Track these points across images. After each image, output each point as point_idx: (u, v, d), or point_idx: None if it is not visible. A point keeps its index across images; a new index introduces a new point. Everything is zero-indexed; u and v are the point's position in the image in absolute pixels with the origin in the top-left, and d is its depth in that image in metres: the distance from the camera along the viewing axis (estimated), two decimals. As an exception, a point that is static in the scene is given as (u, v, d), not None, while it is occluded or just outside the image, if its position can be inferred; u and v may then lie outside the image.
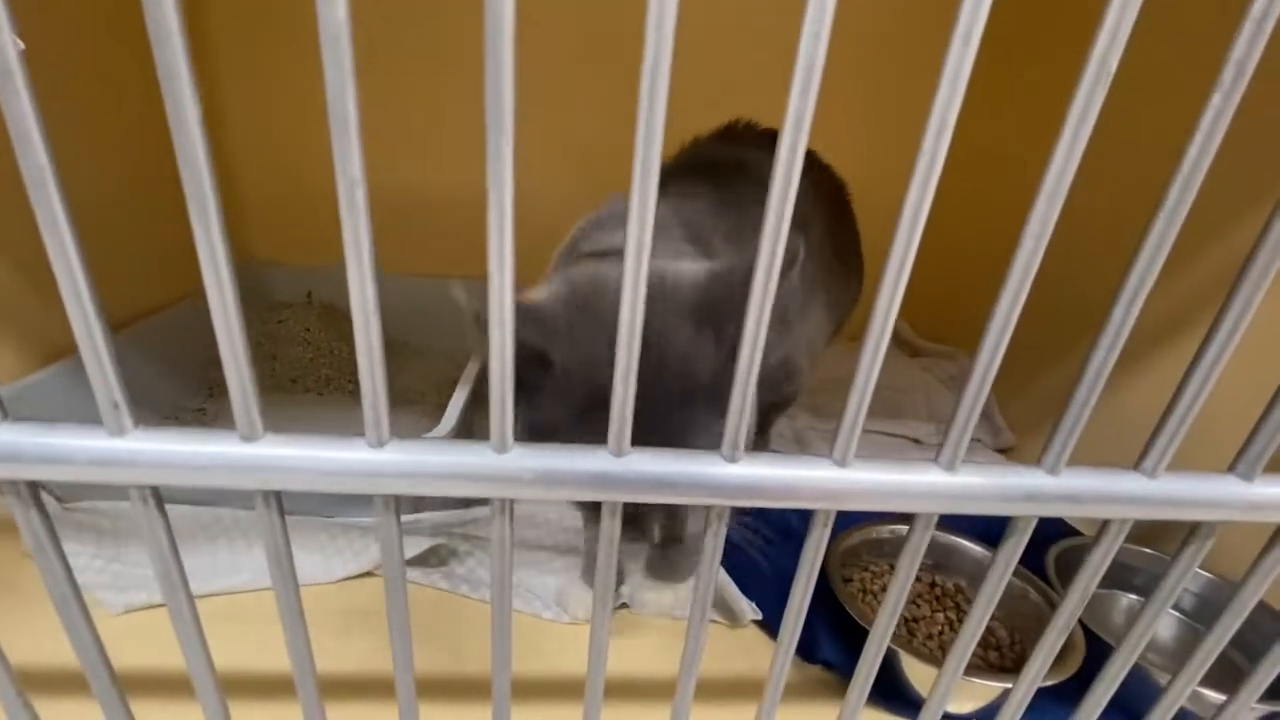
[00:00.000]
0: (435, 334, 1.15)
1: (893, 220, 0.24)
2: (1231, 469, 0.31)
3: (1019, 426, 0.96)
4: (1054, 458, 0.29)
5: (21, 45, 0.20)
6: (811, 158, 0.78)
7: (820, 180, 0.74)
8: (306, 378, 1.03)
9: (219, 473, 0.26)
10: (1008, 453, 0.95)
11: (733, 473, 0.28)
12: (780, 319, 0.61)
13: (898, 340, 1.23)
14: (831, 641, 0.59)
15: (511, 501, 0.28)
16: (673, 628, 0.63)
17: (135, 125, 0.84)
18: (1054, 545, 0.66)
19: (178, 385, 0.91)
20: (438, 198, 1.16)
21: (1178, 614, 0.65)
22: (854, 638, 0.57)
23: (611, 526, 0.29)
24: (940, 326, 1.19)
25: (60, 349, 0.76)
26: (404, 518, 0.72)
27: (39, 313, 0.75)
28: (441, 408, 1.00)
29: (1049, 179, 0.24)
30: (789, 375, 0.72)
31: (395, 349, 1.14)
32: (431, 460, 0.27)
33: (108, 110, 0.82)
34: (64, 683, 0.48)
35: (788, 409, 0.88)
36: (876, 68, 1.09)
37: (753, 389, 0.27)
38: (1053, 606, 0.60)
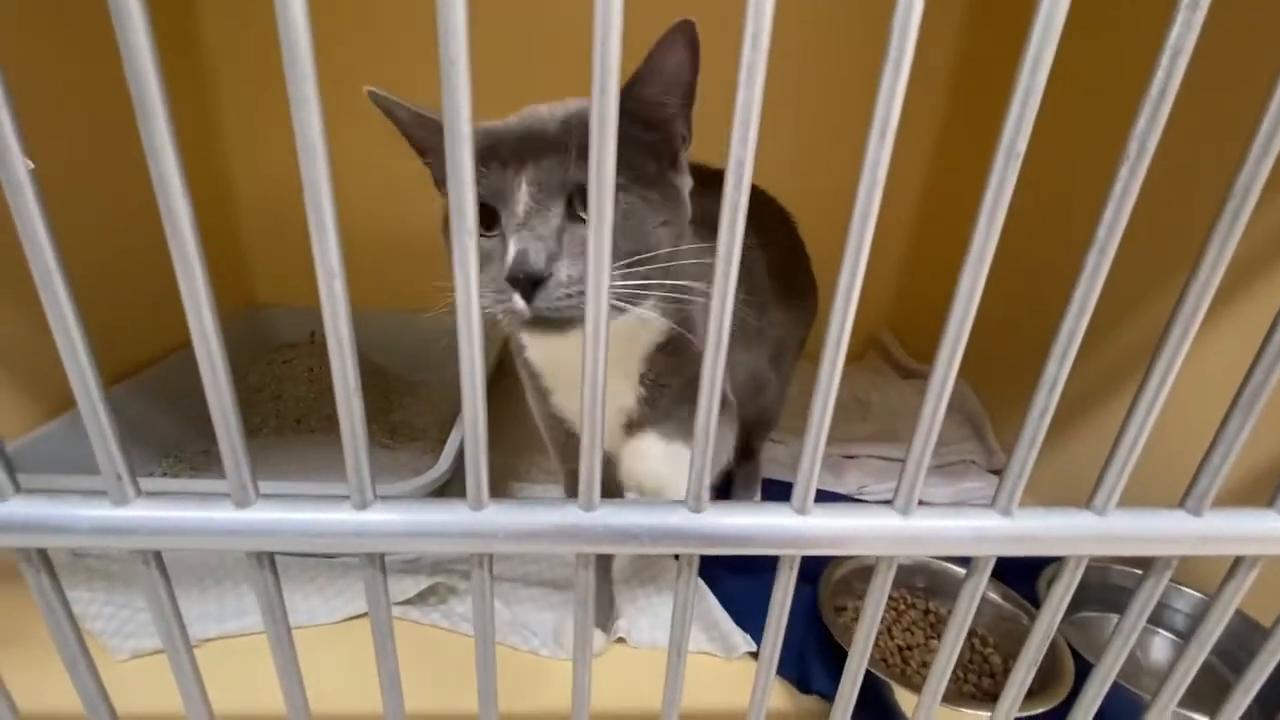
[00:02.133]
0: (435, 368, 1.17)
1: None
2: (1181, 504, 0.32)
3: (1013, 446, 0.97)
4: (1006, 499, 0.31)
5: (31, 165, 0.22)
6: (760, 194, 0.82)
7: (769, 213, 0.78)
8: (310, 417, 1.05)
9: (215, 538, 0.28)
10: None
11: (697, 523, 0.29)
12: (740, 330, 0.64)
13: (891, 362, 1.24)
14: (824, 672, 0.59)
15: (489, 556, 0.30)
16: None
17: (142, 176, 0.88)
18: (1045, 570, 0.67)
19: (184, 427, 0.93)
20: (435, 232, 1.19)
21: (1170, 635, 0.65)
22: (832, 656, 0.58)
23: (585, 577, 0.30)
24: (934, 348, 1.20)
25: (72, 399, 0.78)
26: (403, 557, 0.74)
27: (53, 363, 0.78)
28: (442, 442, 1.02)
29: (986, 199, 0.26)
30: (760, 388, 0.73)
31: (395, 384, 1.16)
32: (414, 519, 0.29)
33: (110, 162, 0.86)
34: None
35: (771, 429, 0.89)
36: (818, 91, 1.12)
37: (714, 430, 0.29)
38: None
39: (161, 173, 0.22)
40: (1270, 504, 0.32)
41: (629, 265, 0.42)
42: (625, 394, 0.54)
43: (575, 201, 0.42)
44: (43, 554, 0.28)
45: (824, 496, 0.90)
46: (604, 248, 0.25)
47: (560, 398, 0.57)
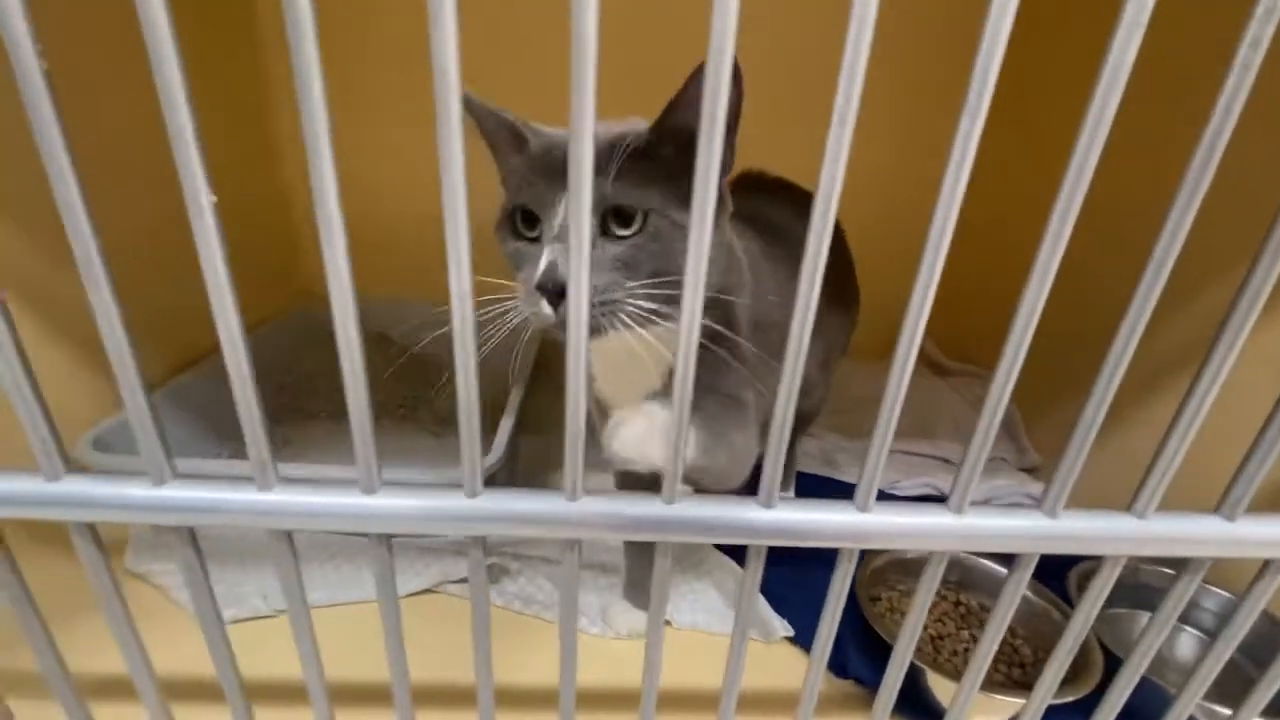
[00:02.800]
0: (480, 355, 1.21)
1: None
2: (1216, 510, 0.34)
3: (1045, 447, 0.99)
4: (1053, 501, 0.33)
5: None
6: (810, 197, 0.83)
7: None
8: (361, 403, 1.10)
9: (240, 516, 0.32)
10: (1033, 472, 0.97)
11: (769, 517, 0.32)
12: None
13: (925, 360, 1.25)
14: (861, 658, 0.63)
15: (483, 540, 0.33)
16: (709, 643, 0.67)
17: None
18: (1075, 567, 0.69)
19: (220, 434, 0.97)
20: (480, 223, 1.23)
21: (1198, 633, 0.67)
22: (882, 654, 0.61)
23: (664, 565, 0.34)
24: (968, 347, 1.22)
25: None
26: (456, 539, 0.78)
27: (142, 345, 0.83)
28: (489, 429, 1.07)
29: (1061, 199, 0.27)
30: (806, 391, 0.76)
31: (441, 371, 1.21)
32: (411, 505, 0.32)
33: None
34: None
35: (810, 425, 0.92)
36: (895, 106, 1.13)
37: (786, 436, 0.32)
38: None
39: (188, 168, 0.25)
40: (1303, 511, 0.34)
41: (654, 285, 0.45)
42: (652, 380, 0.55)
43: (609, 220, 0.45)
44: (91, 528, 0.32)
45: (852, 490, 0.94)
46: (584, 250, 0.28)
47: (600, 384, 0.60)
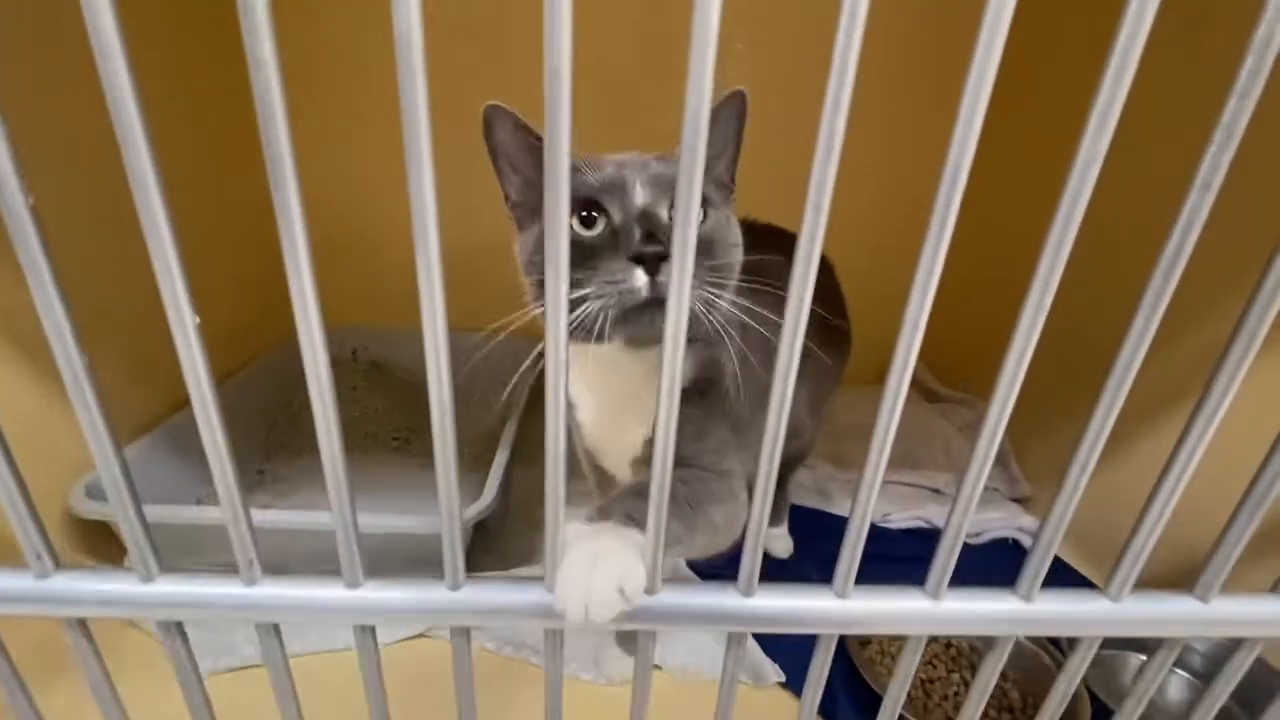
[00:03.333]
0: (475, 386, 1.22)
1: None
2: (1190, 590, 0.35)
3: (1036, 476, 0.99)
4: (1027, 586, 0.34)
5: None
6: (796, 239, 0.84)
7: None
8: (352, 435, 1.10)
9: (228, 611, 0.32)
10: (1024, 503, 0.97)
11: (748, 605, 0.33)
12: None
13: (917, 385, 1.26)
14: (851, 705, 0.63)
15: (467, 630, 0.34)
16: (699, 687, 0.67)
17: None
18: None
19: (237, 449, 0.98)
20: (474, 249, 1.23)
21: (1187, 675, 0.68)
22: (872, 700, 0.61)
23: (645, 657, 0.34)
24: (959, 373, 1.23)
25: (138, 427, 0.84)
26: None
27: (122, 389, 0.84)
28: (481, 460, 1.07)
29: (1054, 228, 0.27)
30: (795, 433, 0.76)
31: (435, 403, 1.21)
32: (393, 598, 0.32)
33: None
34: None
35: (801, 464, 0.92)
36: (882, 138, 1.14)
37: (763, 530, 0.32)
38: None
39: (151, 221, 0.25)
40: (1273, 589, 0.35)
41: (713, 271, 0.47)
42: (635, 432, 0.56)
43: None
44: (83, 623, 0.33)
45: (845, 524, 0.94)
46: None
47: (590, 430, 0.60)
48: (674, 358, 0.28)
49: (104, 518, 0.72)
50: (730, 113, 0.50)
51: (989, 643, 0.35)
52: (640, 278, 0.44)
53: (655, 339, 0.45)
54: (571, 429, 0.63)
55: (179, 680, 0.34)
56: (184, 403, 0.94)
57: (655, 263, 0.44)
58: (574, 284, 0.45)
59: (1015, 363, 0.29)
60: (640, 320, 0.45)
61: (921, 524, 0.93)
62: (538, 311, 0.49)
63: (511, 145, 0.50)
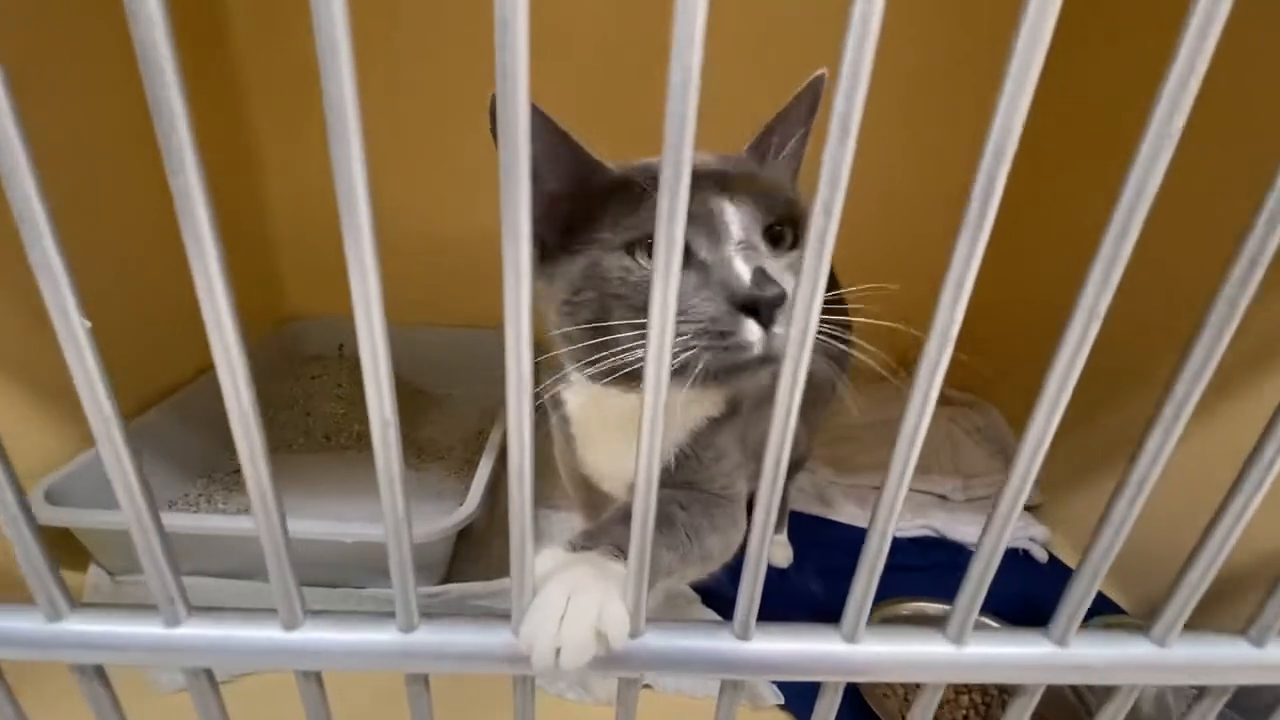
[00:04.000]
0: (458, 383, 1.18)
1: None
2: (1243, 633, 0.31)
3: (1046, 483, 0.95)
4: (1061, 630, 0.30)
5: (87, 323, 0.22)
6: None
7: None
8: (340, 434, 1.06)
9: (142, 654, 0.28)
10: (1034, 510, 0.93)
11: (746, 650, 0.29)
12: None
13: (921, 385, 1.22)
14: (854, 729, 0.59)
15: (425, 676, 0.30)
16: (692, 707, 0.64)
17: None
18: (1092, 621, 0.66)
19: (218, 448, 0.94)
20: (463, 245, 1.19)
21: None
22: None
23: (629, 698, 0.30)
24: (969, 374, 1.18)
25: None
26: (431, 589, 0.74)
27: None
28: (468, 462, 1.03)
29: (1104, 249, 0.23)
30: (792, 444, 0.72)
31: (419, 400, 1.17)
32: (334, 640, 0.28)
33: (132, 183, 0.86)
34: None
35: (800, 470, 0.88)
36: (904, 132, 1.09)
37: (764, 561, 0.28)
38: (1080, 696, 0.60)
39: (185, 192, 0.21)
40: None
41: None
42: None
43: (770, 235, 0.41)
44: (99, 669, 0.29)
45: (850, 531, 0.90)
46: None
47: (588, 453, 0.56)
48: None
49: (66, 524, 0.68)
50: (810, 99, 0.43)
51: (1017, 689, 0.32)
52: (754, 331, 0.36)
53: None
54: (564, 442, 0.59)
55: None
56: (156, 399, 0.91)
57: (770, 311, 0.36)
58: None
59: (1056, 390, 0.25)
60: (744, 375, 0.38)
61: (929, 533, 0.89)
62: (585, 372, 0.41)
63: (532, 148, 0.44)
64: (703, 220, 0.38)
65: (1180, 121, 0.20)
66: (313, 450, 1.02)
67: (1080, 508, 0.93)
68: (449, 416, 1.14)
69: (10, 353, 0.69)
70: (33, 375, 0.72)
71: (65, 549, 0.73)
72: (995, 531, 0.27)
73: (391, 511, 0.25)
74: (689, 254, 0.38)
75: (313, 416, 1.07)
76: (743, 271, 0.36)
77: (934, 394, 0.25)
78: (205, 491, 0.89)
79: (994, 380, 1.13)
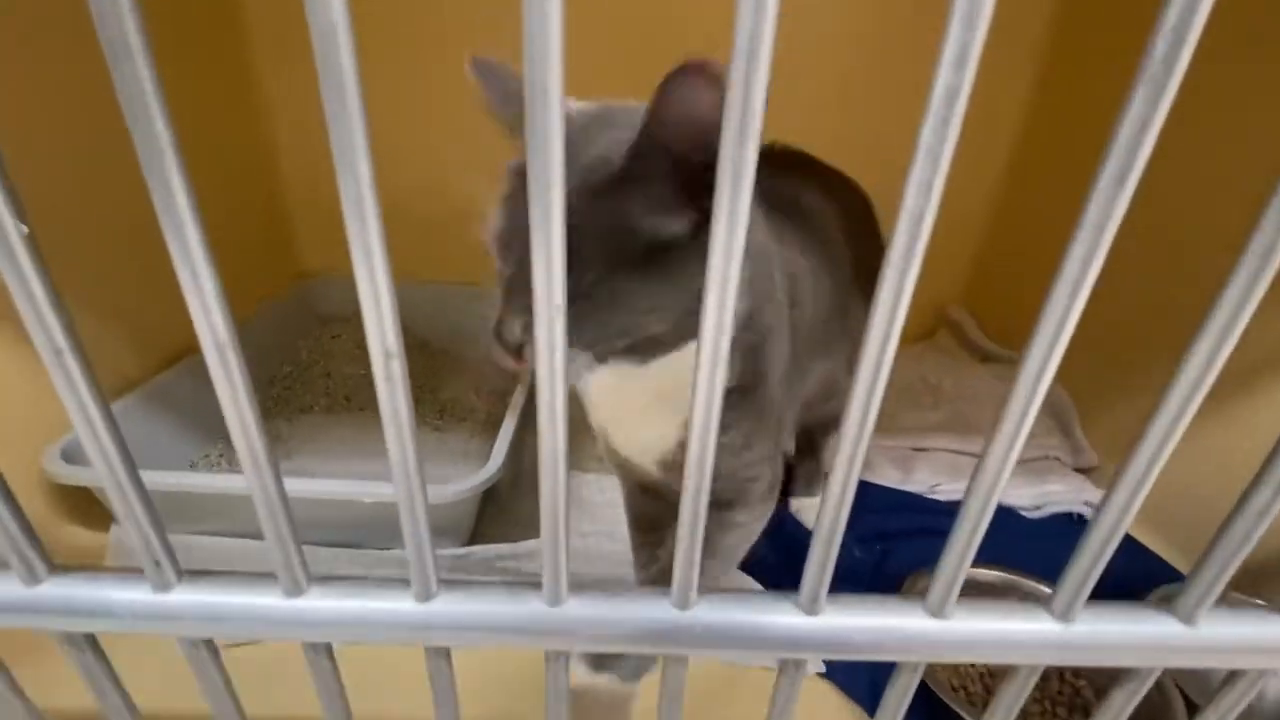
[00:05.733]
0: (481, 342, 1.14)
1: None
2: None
3: (1104, 445, 0.89)
4: (1191, 604, 0.25)
5: (24, 229, 0.18)
6: (840, 177, 0.72)
7: (849, 200, 0.69)
8: (360, 394, 1.03)
9: (132, 621, 0.25)
10: (1089, 473, 0.88)
11: (812, 626, 0.25)
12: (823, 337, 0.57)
13: (964, 342, 1.15)
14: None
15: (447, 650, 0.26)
16: (726, 674, 0.61)
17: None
18: (1155, 591, 0.61)
19: (207, 430, 0.91)
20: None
21: (1292, 675, 0.59)
22: (935, 709, 0.53)
23: (677, 681, 0.26)
24: (1013, 330, 1.12)
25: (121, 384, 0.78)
26: (454, 551, 0.72)
27: (111, 342, 0.78)
28: (491, 423, 1.00)
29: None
30: (831, 394, 0.67)
31: (442, 360, 1.14)
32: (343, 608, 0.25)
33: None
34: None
35: (837, 427, 0.83)
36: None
37: (837, 542, 0.24)
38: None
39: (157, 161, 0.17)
40: None
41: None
42: (663, 432, 0.47)
43: None
44: (90, 638, 0.26)
45: (891, 495, 0.85)
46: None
47: (608, 430, 0.52)
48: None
49: (83, 483, 0.67)
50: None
51: (1123, 673, 0.27)
52: None
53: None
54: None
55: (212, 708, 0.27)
56: (173, 359, 0.89)
57: None
58: None
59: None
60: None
61: (974, 496, 0.84)
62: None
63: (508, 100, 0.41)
64: None
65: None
66: (333, 411, 1.00)
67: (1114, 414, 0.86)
68: (474, 375, 1.11)
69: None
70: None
71: (90, 509, 0.72)
72: (1117, 506, 0.22)
73: (401, 461, 0.21)
74: None
75: (332, 377, 1.05)
76: None
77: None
78: (225, 452, 0.88)
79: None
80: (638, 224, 0.34)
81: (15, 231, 0.18)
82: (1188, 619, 0.25)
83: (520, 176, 0.33)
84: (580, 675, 0.41)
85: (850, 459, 0.22)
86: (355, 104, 0.17)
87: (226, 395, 0.20)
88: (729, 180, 0.18)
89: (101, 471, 0.22)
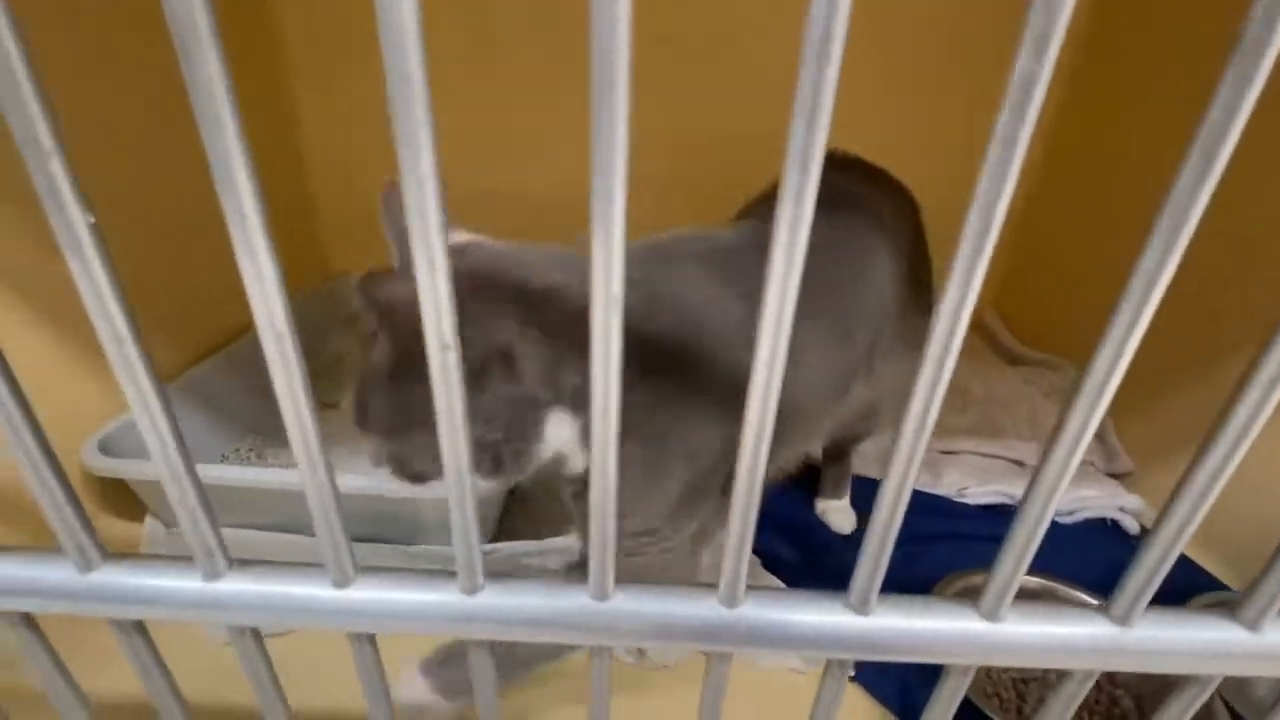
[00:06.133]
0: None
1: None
2: None
3: (1138, 450, 0.87)
4: (1258, 610, 0.24)
5: (91, 218, 0.18)
6: (887, 179, 0.69)
7: (899, 205, 0.66)
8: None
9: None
10: (1124, 479, 0.86)
11: (860, 626, 0.24)
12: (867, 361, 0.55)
13: (994, 345, 1.14)
14: (933, 707, 0.55)
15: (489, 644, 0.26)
16: (750, 676, 0.60)
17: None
18: (1197, 598, 0.60)
19: (265, 403, 0.93)
20: (535, 201, 1.15)
21: (1342, 689, 0.57)
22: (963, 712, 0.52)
23: (720, 672, 0.26)
24: (1043, 332, 1.10)
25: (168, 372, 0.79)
26: (482, 547, 0.72)
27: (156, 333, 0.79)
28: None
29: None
30: (867, 417, 0.67)
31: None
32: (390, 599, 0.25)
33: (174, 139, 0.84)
34: None
35: (867, 438, 0.82)
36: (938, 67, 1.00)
37: (890, 543, 0.23)
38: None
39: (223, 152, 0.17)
40: None
41: None
42: None
43: None
44: (139, 624, 0.26)
45: (919, 498, 0.84)
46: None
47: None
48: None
49: (120, 475, 0.68)
50: None
51: (1180, 681, 0.26)
52: None
53: None
54: None
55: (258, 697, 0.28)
56: (201, 355, 0.90)
57: None
58: None
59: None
60: None
61: (1004, 499, 0.82)
62: None
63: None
64: None
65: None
66: (359, 408, 1.01)
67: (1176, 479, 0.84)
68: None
69: (66, 304, 0.68)
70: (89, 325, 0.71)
71: (124, 501, 0.73)
72: (1182, 511, 0.22)
73: (453, 455, 0.21)
74: None
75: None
76: None
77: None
78: (256, 446, 0.89)
79: (1071, 337, 1.04)
80: None
81: (83, 221, 0.18)
82: (1252, 625, 0.24)
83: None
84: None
85: (908, 460, 0.21)
86: (422, 101, 0.17)
87: (283, 385, 0.21)
88: (791, 200, 0.17)
89: (159, 460, 0.22)
